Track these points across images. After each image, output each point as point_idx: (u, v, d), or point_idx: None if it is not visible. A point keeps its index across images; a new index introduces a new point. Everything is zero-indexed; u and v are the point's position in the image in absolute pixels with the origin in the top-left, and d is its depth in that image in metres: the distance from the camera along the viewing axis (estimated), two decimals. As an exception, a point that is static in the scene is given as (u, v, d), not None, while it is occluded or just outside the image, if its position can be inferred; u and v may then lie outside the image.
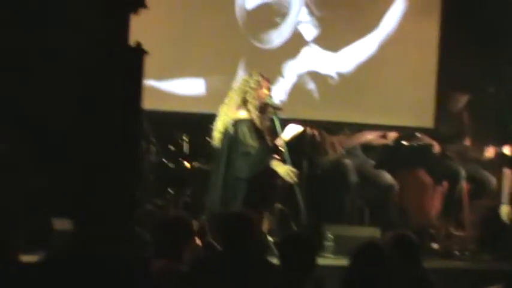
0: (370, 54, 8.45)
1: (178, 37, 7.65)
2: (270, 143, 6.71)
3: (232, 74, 7.75)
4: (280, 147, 6.70)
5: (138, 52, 5.02)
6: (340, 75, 8.34)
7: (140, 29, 5.17)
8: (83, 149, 5.18)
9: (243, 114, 6.68)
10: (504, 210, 6.78)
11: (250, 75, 6.85)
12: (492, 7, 8.71)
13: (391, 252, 4.05)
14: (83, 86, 5.13)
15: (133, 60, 5.03)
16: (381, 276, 3.74)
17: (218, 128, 6.69)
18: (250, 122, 6.67)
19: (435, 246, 8.10)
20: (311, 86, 8.22)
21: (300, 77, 8.19)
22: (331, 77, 8.31)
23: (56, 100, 6.66)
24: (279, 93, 7.64)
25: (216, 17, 7.79)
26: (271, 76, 7.14)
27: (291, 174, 6.61)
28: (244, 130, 6.64)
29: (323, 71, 8.27)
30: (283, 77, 8.04)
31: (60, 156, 6.92)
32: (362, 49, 8.41)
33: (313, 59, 8.21)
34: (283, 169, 6.62)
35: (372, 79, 8.45)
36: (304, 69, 8.20)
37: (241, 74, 7.65)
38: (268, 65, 7.80)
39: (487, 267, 7.62)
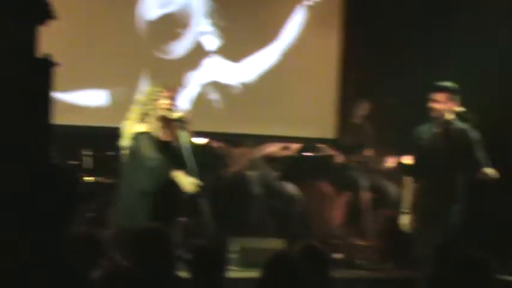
0: (272, 65, 8.61)
1: (80, 48, 7.63)
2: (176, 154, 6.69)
3: (135, 85, 7.76)
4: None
5: (47, 64, 5.00)
6: (242, 85, 8.48)
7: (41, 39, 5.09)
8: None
9: (140, 128, 6.62)
10: (404, 219, 6.93)
11: (153, 86, 6.81)
12: (390, 19, 8.97)
13: (300, 263, 4.11)
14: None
15: (42, 72, 5.00)
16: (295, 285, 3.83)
17: (123, 143, 6.63)
18: (149, 135, 6.60)
19: (338, 256, 8.18)
20: (214, 96, 8.32)
21: (203, 87, 8.28)
22: (234, 87, 8.44)
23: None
24: (182, 103, 7.65)
25: (118, 27, 7.81)
26: (172, 85, 7.18)
27: (193, 185, 6.60)
28: (144, 143, 6.56)
29: (225, 81, 8.39)
30: (186, 87, 8.09)
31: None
32: (264, 59, 8.56)
33: (216, 69, 8.31)
34: (185, 180, 6.60)
35: (274, 90, 8.61)
36: (206, 79, 8.29)
37: (144, 85, 7.68)
38: (171, 76, 7.84)
39: (389, 275, 7.82)
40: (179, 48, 8.10)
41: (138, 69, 7.88)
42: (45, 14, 4.90)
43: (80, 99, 7.68)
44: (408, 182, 7.02)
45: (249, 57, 8.49)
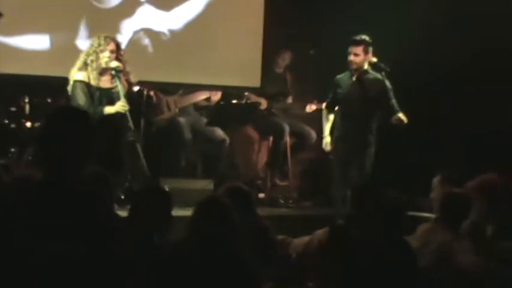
0: (200, 16, 8.80)
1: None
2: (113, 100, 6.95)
3: (75, 31, 8.07)
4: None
5: None
6: (172, 34, 8.65)
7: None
8: None
9: (79, 76, 6.89)
10: (326, 141, 7.32)
11: (97, 38, 7.02)
12: None
13: (227, 203, 4.15)
14: None
15: None
16: (223, 224, 3.88)
17: (67, 89, 6.92)
18: (84, 84, 6.87)
19: (262, 195, 8.60)
20: (145, 41, 8.56)
21: (136, 34, 8.50)
22: (164, 35, 8.64)
23: None
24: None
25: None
26: (109, 33, 7.41)
27: (123, 107, 6.85)
28: (77, 91, 6.85)
29: (157, 28, 8.61)
30: (121, 34, 8.33)
31: None
32: (191, 9, 8.78)
33: (148, 18, 8.56)
34: (115, 107, 6.86)
35: (204, 41, 8.76)
36: (139, 26, 8.52)
37: (83, 31, 8.02)
38: (107, 23, 8.16)
39: (308, 213, 8.20)
40: (114, -2, 8.39)
41: (78, 17, 8.14)
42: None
43: (21, 44, 7.88)
44: (326, 113, 7.42)
45: (178, 7, 8.71)
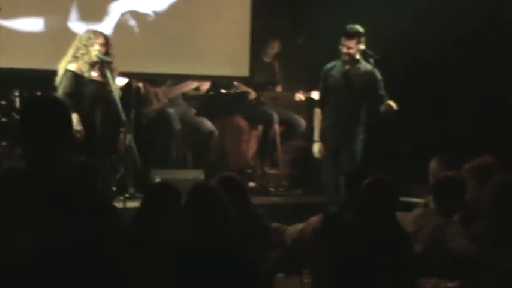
0: (186, 5, 8.77)
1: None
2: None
3: (67, 14, 8.12)
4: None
5: None
6: (158, 22, 8.62)
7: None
8: None
9: (71, 67, 6.93)
10: (316, 147, 7.32)
11: (86, 32, 7.10)
12: None
13: (218, 192, 4.15)
14: None
15: None
16: (216, 212, 3.90)
17: (56, 82, 6.94)
18: (75, 75, 6.89)
19: (252, 184, 8.69)
20: (132, 23, 8.57)
21: (123, 15, 8.52)
22: (151, 22, 8.62)
23: None
24: (106, 30, 7.94)
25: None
26: (99, 15, 7.60)
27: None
28: (64, 79, 6.87)
29: (142, 10, 8.62)
30: (108, 16, 8.40)
31: None
32: None
33: (133, 1, 8.59)
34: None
35: (191, 32, 8.76)
36: (125, 9, 8.54)
37: (74, 14, 8.08)
38: (96, 6, 8.30)
39: (299, 200, 8.29)
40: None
41: (68, 1, 8.18)
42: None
43: (14, 26, 7.94)
44: (318, 113, 7.44)
45: None
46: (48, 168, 3.08)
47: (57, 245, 2.97)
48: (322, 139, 7.32)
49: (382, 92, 7.20)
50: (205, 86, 8.80)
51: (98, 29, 7.28)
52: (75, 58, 6.94)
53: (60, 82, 6.89)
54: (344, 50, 7.19)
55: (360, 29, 7.19)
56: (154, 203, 4.49)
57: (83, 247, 3.00)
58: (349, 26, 7.19)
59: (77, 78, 6.90)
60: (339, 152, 7.25)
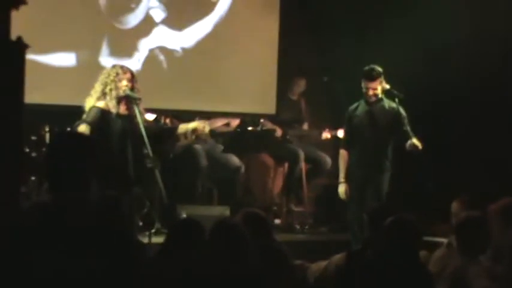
0: (214, 45, 9.01)
1: (49, 18, 8.23)
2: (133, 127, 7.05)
3: (98, 49, 8.44)
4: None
5: (20, 46, 5.19)
6: (186, 59, 8.90)
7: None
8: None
9: (99, 104, 6.97)
10: (341, 189, 7.35)
11: (113, 67, 7.12)
12: (327, 3, 9.38)
13: (242, 228, 4.28)
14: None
15: (16, 53, 5.16)
16: (238, 248, 4.02)
17: (83, 118, 6.97)
18: (101, 110, 6.93)
19: (277, 221, 8.73)
20: (161, 58, 8.84)
21: (151, 51, 8.80)
22: (179, 58, 8.91)
23: None
24: (135, 65, 8.21)
25: (83, 3, 8.47)
26: (128, 51, 7.78)
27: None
28: (92, 117, 6.88)
29: (170, 46, 8.90)
30: (138, 51, 8.68)
31: None
32: (207, 41, 9.05)
33: (162, 37, 8.88)
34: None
35: (219, 70, 8.96)
36: (154, 45, 8.83)
37: (104, 49, 8.37)
38: (126, 42, 8.61)
39: (324, 238, 8.31)
40: (133, 20, 8.74)
41: (100, 37, 8.48)
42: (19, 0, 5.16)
43: (53, 60, 8.24)
44: (343, 154, 7.44)
45: (193, 36, 9.02)
46: (73, 202, 3.16)
47: (78, 278, 3.03)
48: (348, 180, 7.34)
49: (407, 128, 7.20)
50: (235, 122, 8.90)
51: (126, 64, 7.35)
52: (103, 94, 6.97)
53: (87, 118, 6.93)
54: (370, 92, 7.25)
55: (379, 68, 7.25)
56: (178, 239, 4.54)
57: (104, 281, 3.06)
58: (369, 68, 7.25)
59: (104, 115, 6.95)
60: (365, 189, 7.26)
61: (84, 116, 6.96)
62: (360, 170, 7.28)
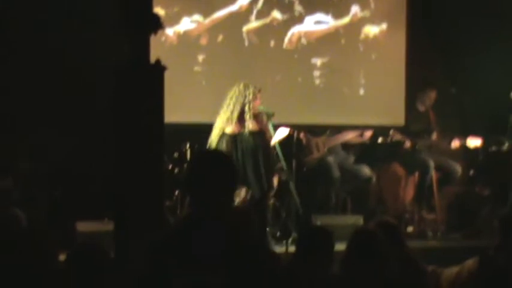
0: (345, 61, 9.30)
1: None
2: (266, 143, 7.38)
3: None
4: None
5: (159, 68, 5.48)
6: (319, 78, 9.22)
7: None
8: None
9: (228, 129, 7.30)
10: None
11: (246, 87, 7.39)
12: (453, 15, 9.45)
13: (379, 237, 4.28)
14: (112, 101, 5.57)
15: (156, 75, 5.42)
16: (377, 255, 4.07)
17: (212, 139, 7.35)
18: (230, 137, 7.27)
19: (410, 229, 8.77)
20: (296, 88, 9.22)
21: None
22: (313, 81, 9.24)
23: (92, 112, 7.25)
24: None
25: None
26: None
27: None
28: (222, 145, 7.24)
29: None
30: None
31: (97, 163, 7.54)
32: (336, 56, 9.34)
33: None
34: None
35: (348, 84, 9.27)
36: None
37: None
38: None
39: (457, 244, 8.28)
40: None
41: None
42: (157, 25, 5.52)
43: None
44: None
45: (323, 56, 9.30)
46: (212, 215, 3.37)
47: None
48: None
49: None
50: (369, 133, 8.99)
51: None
52: (242, 113, 7.29)
53: (217, 143, 7.24)
54: None
55: None
56: (308, 246, 4.63)
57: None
58: None
59: (233, 139, 7.27)
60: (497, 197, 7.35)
61: (213, 139, 7.27)
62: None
